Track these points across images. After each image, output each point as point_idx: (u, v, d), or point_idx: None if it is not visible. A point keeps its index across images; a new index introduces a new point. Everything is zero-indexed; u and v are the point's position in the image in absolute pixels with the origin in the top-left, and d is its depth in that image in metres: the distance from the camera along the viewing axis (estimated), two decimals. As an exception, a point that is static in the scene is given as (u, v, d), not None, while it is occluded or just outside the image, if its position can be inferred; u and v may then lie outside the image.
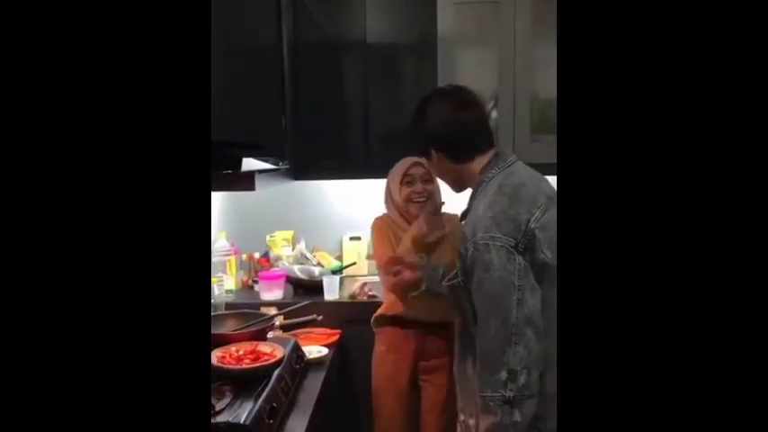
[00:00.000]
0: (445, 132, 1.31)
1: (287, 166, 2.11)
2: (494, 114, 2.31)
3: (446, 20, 2.28)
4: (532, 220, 1.17)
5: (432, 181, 1.82)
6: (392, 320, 1.85)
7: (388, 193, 1.90)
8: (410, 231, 1.74)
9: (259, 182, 1.60)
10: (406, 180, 1.83)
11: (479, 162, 1.30)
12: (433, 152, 1.35)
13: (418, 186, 1.81)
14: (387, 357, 1.86)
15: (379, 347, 1.89)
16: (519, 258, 1.15)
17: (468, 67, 2.35)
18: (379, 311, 1.88)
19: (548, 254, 1.17)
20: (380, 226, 1.89)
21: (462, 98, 1.34)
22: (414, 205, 1.81)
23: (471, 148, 1.31)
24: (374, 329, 1.91)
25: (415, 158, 1.83)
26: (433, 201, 1.81)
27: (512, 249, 1.15)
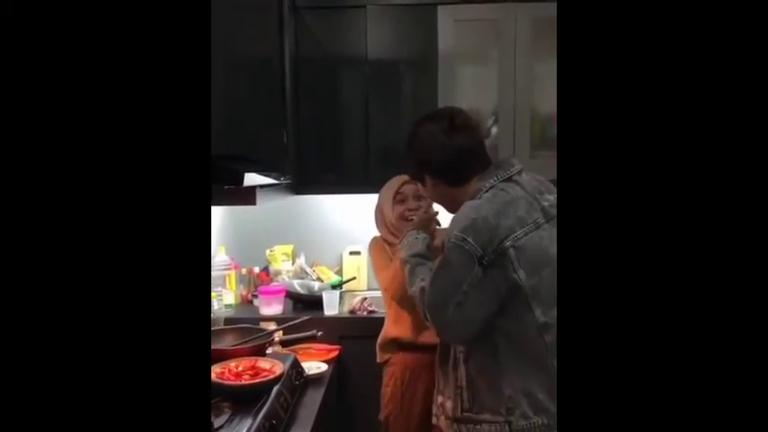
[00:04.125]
0: (438, 158, 1.31)
1: (288, 181, 2.11)
2: (494, 131, 2.32)
3: (446, 36, 2.30)
4: (510, 237, 1.18)
5: (424, 198, 1.80)
6: (400, 345, 1.78)
7: (380, 213, 1.88)
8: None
9: (260, 196, 1.61)
10: (399, 198, 1.82)
11: (475, 184, 1.30)
12: (428, 178, 1.35)
13: (411, 204, 1.80)
14: (396, 392, 1.77)
15: (388, 381, 1.79)
16: (478, 270, 1.18)
17: (469, 83, 2.37)
18: (383, 335, 1.83)
19: (521, 274, 1.18)
20: (378, 246, 1.88)
21: (454, 121, 1.32)
22: (408, 223, 1.76)
23: (467, 170, 1.31)
24: (380, 359, 1.83)
25: (405, 177, 1.82)
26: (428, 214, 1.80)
27: (474, 258, 1.18)
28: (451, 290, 1.21)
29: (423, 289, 1.29)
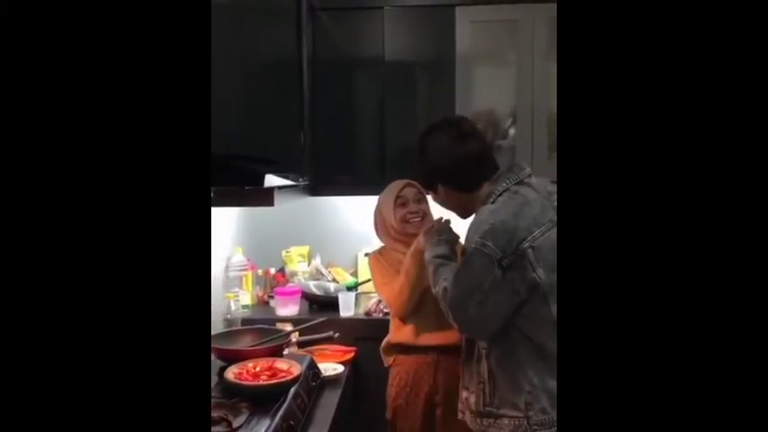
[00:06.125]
0: (449, 166, 1.36)
1: (306, 182, 2.11)
2: (512, 132, 2.31)
3: (464, 38, 2.29)
4: (529, 238, 1.22)
5: (424, 200, 1.81)
6: (401, 348, 1.81)
7: (381, 219, 1.88)
8: (419, 237, 1.68)
9: (278, 197, 1.61)
10: (399, 202, 1.82)
11: (486, 188, 1.34)
12: (440, 186, 1.40)
13: (412, 207, 1.81)
14: (401, 392, 1.80)
15: (393, 381, 1.83)
16: (498, 272, 1.22)
17: (486, 84, 2.35)
18: (387, 339, 1.86)
19: (540, 273, 1.22)
20: (378, 260, 1.88)
21: (461, 129, 1.37)
22: (410, 225, 1.79)
23: (477, 177, 1.36)
24: (386, 363, 1.86)
25: (405, 180, 1.84)
26: (429, 219, 1.80)
27: (495, 261, 1.22)
28: (472, 290, 1.25)
29: (445, 289, 1.31)
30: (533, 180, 1.34)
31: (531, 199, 1.28)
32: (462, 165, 1.35)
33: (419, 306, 1.76)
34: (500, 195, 1.31)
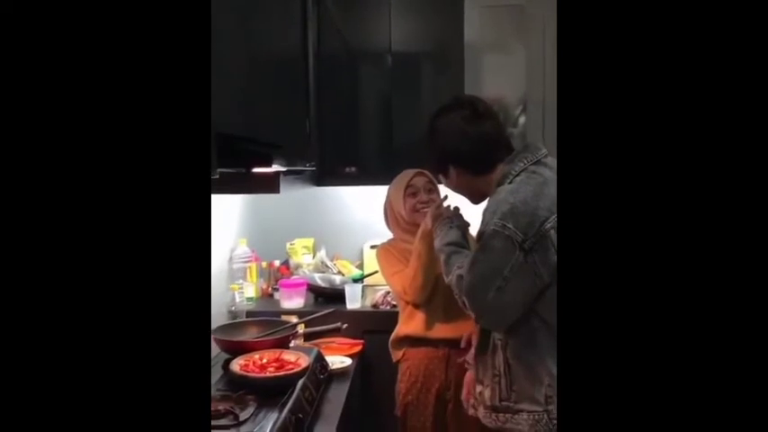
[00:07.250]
0: (462, 147, 1.29)
1: (313, 168, 2.07)
2: (522, 120, 2.26)
3: (473, 24, 2.25)
4: (550, 219, 1.15)
5: (435, 190, 1.78)
6: (411, 341, 1.76)
7: (390, 208, 1.84)
8: (426, 219, 1.64)
9: (283, 185, 1.57)
10: (410, 191, 1.79)
11: (501, 170, 1.28)
12: (451, 169, 1.33)
13: (422, 196, 1.77)
14: (411, 387, 1.74)
15: (402, 376, 1.78)
16: (519, 255, 1.14)
17: (495, 72, 2.32)
18: (396, 332, 1.81)
19: None
20: (386, 251, 1.84)
21: (476, 108, 1.31)
22: (420, 215, 1.74)
23: (492, 158, 1.29)
24: (395, 358, 1.80)
25: (416, 170, 1.80)
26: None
27: (516, 243, 1.14)
28: (491, 275, 1.17)
29: (460, 276, 1.24)
30: (550, 160, 1.27)
31: (550, 178, 1.20)
32: (476, 145, 1.28)
33: (430, 296, 1.71)
34: (517, 176, 1.24)
